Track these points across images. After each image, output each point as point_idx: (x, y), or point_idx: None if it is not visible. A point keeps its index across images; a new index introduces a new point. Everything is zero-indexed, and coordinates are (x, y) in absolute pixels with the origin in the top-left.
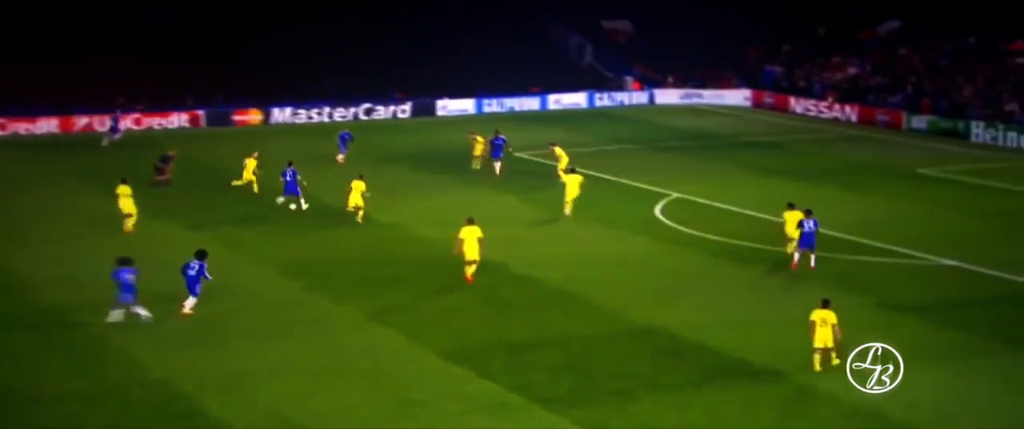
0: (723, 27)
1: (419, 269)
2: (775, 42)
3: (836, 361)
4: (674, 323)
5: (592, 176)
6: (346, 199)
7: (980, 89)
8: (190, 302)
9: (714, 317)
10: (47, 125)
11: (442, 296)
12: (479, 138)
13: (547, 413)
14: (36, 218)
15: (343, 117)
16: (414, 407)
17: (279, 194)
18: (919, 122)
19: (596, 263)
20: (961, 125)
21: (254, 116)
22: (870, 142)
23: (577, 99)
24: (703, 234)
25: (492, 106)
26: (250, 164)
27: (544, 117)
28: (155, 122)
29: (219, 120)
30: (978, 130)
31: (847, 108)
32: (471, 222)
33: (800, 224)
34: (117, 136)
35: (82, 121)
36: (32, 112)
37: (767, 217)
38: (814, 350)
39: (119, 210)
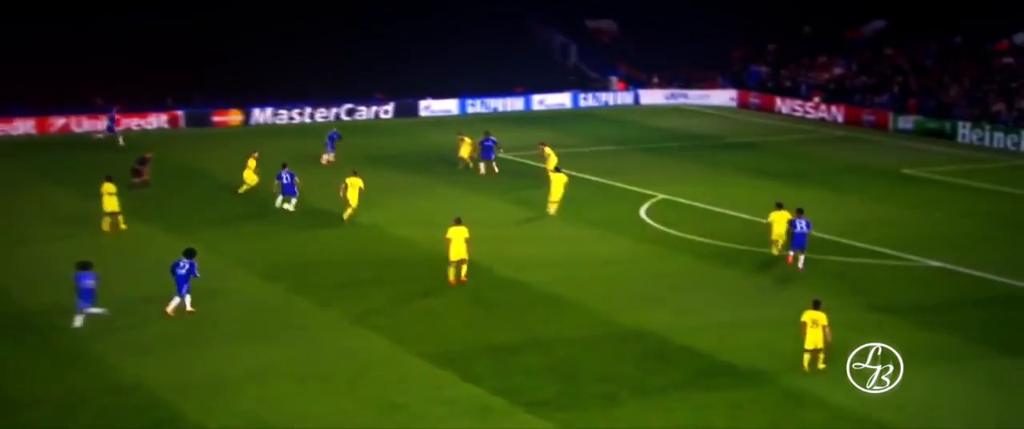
0: (708, 27)
1: (403, 271)
2: (760, 42)
3: (822, 365)
4: (660, 325)
5: (577, 177)
6: (343, 196)
7: (966, 89)
8: (175, 302)
9: (700, 319)
10: (24, 126)
11: (426, 298)
12: (467, 139)
13: (532, 417)
14: (12, 219)
15: (325, 118)
16: (397, 411)
17: (275, 196)
18: (905, 122)
19: (581, 265)
20: (948, 126)
21: (234, 117)
22: (856, 143)
23: (561, 99)
24: (689, 235)
25: (476, 107)
26: (251, 164)
27: (528, 118)
28: (133, 123)
29: (198, 121)
30: (965, 131)
31: (833, 108)
32: (458, 222)
33: (792, 224)
34: (114, 134)
35: (59, 122)
36: (8, 113)
37: (753, 218)
38: (804, 351)
39: (102, 209)
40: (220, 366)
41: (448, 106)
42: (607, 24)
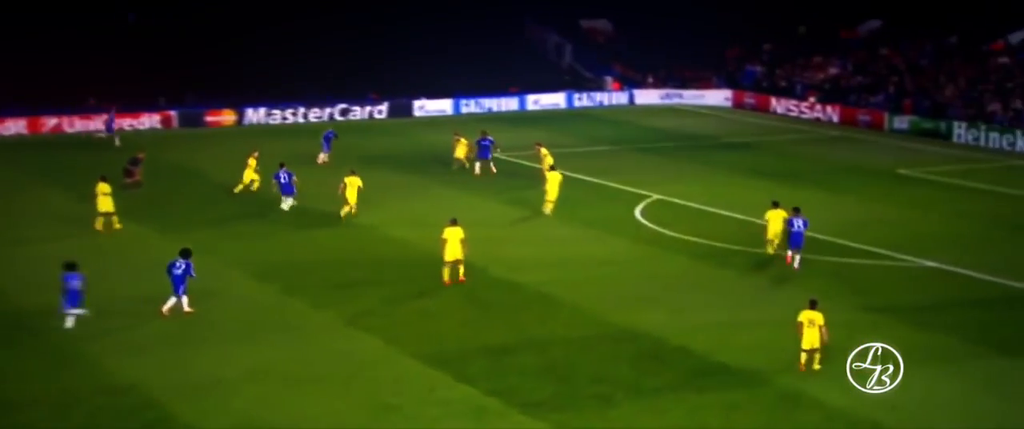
0: (703, 27)
1: (397, 271)
2: (756, 42)
3: (817, 366)
4: (655, 326)
5: (571, 177)
6: (342, 196)
7: (962, 89)
8: (171, 303)
9: (695, 320)
10: (15, 126)
11: (420, 299)
12: (463, 139)
13: (526, 418)
14: (6, 220)
15: (318, 118)
16: (391, 412)
17: (277, 197)
18: (901, 122)
19: (576, 265)
20: (943, 126)
21: (227, 117)
22: (852, 143)
23: (556, 99)
24: (684, 236)
25: (470, 107)
26: (251, 163)
27: (523, 118)
28: (126, 123)
29: (191, 121)
30: (960, 131)
31: (828, 108)
32: (454, 223)
33: (789, 223)
34: (113, 134)
35: (51, 122)
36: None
37: (748, 219)
38: (801, 350)
39: (96, 209)
40: (214, 367)
41: (442, 106)
42: (602, 24)
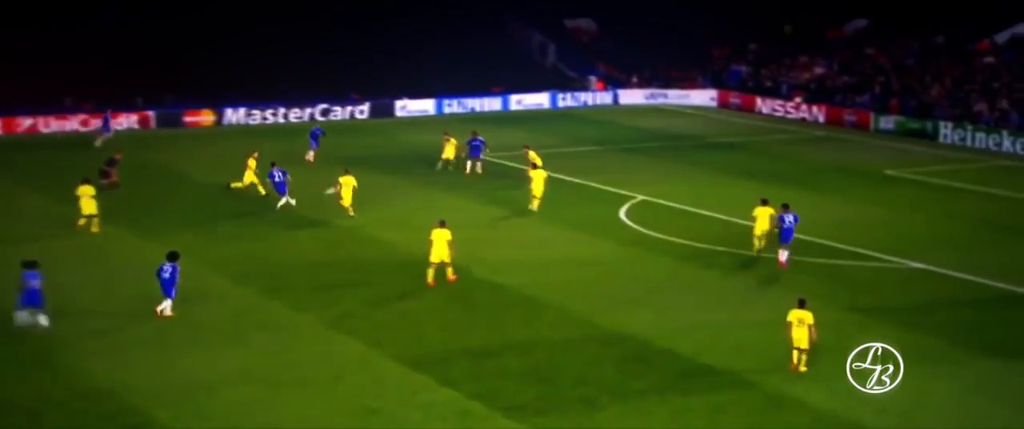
0: (688, 26)
1: (379, 273)
2: (741, 41)
3: (804, 368)
4: (640, 328)
5: (556, 178)
6: (338, 195)
7: (948, 89)
8: (167, 304)
9: (681, 321)
10: None
11: (402, 301)
12: (453, 140)
13: (510, 421)
14: None
15: (299, 118)
16: (373, 416)
17: (276, 199)
18: (887, 123)
19: (560, 267)
20: (929, 126)
21: (206, 117)
22: (838, 143)
23: (540, 99)
24: (669, 237)
25: (452, 107)
26: (251, 164)
27: (506, 118)
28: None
29: (169, 121)
30: (946, 131)
31: (814, 108)
32: (442, 224)
33: (780, 219)
34: (109, 135)
35: (27, 122)
36: None
37: (734, 219)
38: (793, 349)
39: (79, 210)
40: (193, 371)
41: (425, 106)
42: (586, 23)
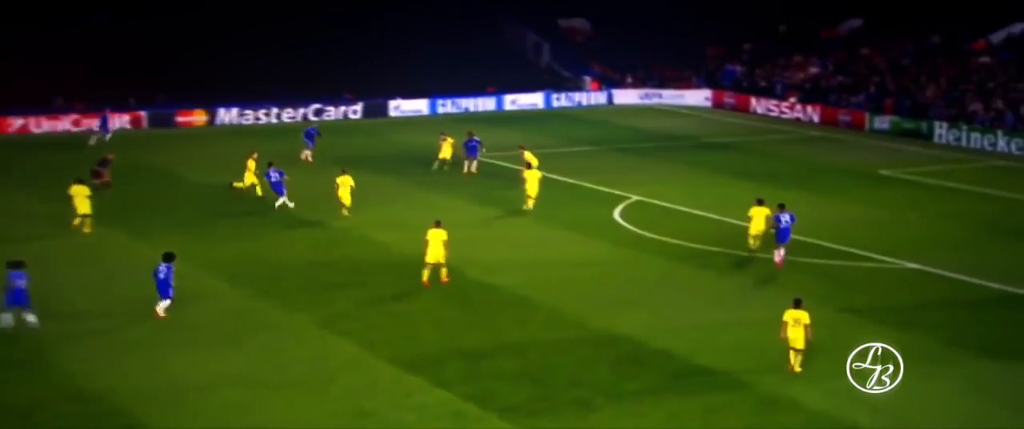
0: (683, 25)
1: (372, 274)
2: (735, 41)
3: (798, 368)
4: (634, 329)
5: (550, 178)
6: (335, 195)
7: (943, 89)
8: (163, 305)
9: (675, 322)
10: None
11: (395, 302)
12: (450, 140)
13: (504, 423)
14: None
15: (292, 118)
16: (366, 418)
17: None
18: (882, 123)
19: (554, 267)
20: (924, 126)
21: (198, 117)
22: (832, 143)
23: (534, 99)
24: (664, 237)
25: (446, 107)
26: (251, 165)
27: (500, 118)
28: (94, 123)
29: (162, 121)
30: (941, 131)
31: (809, 109)
32: (438, 224)
33: (776, 219)
34: (106, 134)
35: (17, 123)
36: None
37: (729, 220)
38: (790, 349)
39: (74, 210)
40: (185, 373)
41: (418, 106)
42: (580, 23)
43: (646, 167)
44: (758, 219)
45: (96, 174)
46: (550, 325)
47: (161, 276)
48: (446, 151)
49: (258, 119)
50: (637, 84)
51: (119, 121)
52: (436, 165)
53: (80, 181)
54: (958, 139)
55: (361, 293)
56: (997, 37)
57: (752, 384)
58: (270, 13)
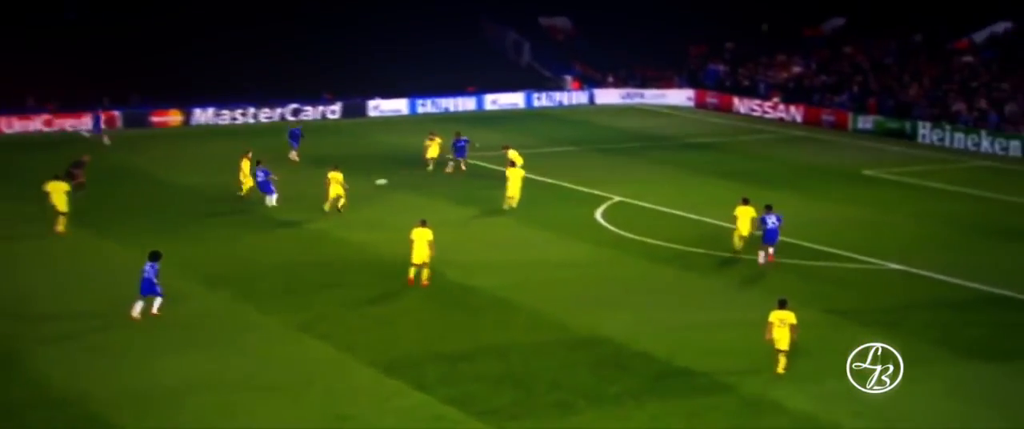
0: (665, 24)
1: (351, 276)
2: (718, 40)
3: (781, 370)
4: (616, 331)
5: (531, 179)
6: (326, 193)
7: (927, 89)
8: (145, 305)
9: (657, 324)
10: None
11: (374, 305)
12: (438, 139)
13: (485, 426)
14: None
15: (269, 118)
16: (345, 422)
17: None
18: (865, 122)
19: (535, 269)
20: (908, 126)
21: (174, 117)
22: (816, 143)
23: (514, 99)
24: (646, 239)
25: (426, 107)
26: (245, 166)
27: (480, 118)
28: (67, 123)
29: (136, 121)
30: (924, 131)
31: (792, 108)
32: (424, 224)
33: (763, 220)
34: (97, 134)
35: None
36: None
37: (711, 221)
38: (776, 351)
39: (53, 207)
40: (160, 377)
41: (398, 106)
42: (561, 21)
43: (628, 167)
44: (743, 219)
45: (71, 175)
46: (531, 327)
47: (146, 275)
48: (433, 151)
49: (235, 119)
50: (619, 84)
51: (92, 121)
52: (430, 166)
53: (57, 177)
54: (942, 139)
55: (340, 295)
56: (980, 36)
57: (735, 386)
58: (247, 12)
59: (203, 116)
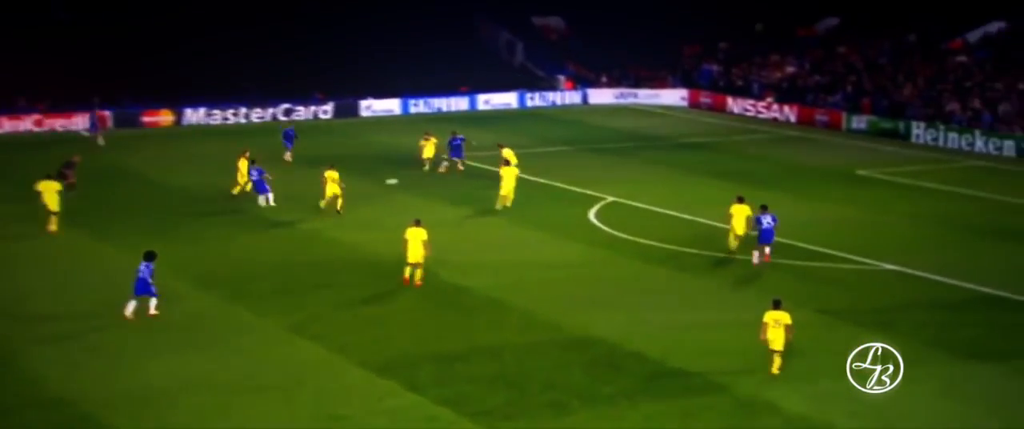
0: (658, 24)
1: (344, 276)
2: (712, 40)
3: (775, 370)
4: (610, 332)
5: (524, 179)
6: (322, 192)
7: (921, 89)
8: (152, 303)
9: (651, 324)
10: None
11: (367, 305)
12: (433, 139)
13: (478, 427)
14: None
15: (261, 118)
16: (338, 422)
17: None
18: (859, 122)
19: (528, 269)
20: (902, 126)
21: (165, 117)
22: (810, 143)
23: (507, 99)
24: (639, 239)
25: (419, 107)
26: (243, 166)
27: (474, 118)
28: (57, 123)
29: (127, 121)
30: (919, 131)
31: (786, 108)
32: (418, 223)
33: (757, 220)
34: (97, 132)
35: None
36: None
37: (705, 221)
38: (771, 352)
39: (45, 207)
40: (153, 378)
41: (390, 106)
42: (554, 21)
43: (621, 167)
44: (739, 218)
45: (62, 176)
46: (524, 327)
47: (141, 275)
48: (429, 151)
49: (226, 119)
50: (612, 83)
51: (83, 121)
52: (427, 167)
53: (49, 177)
54: (936, 139)
55: (333, 295)
56: (973, 36)
57: (729, 386)
58: (239, 11)
59: (194, 116)
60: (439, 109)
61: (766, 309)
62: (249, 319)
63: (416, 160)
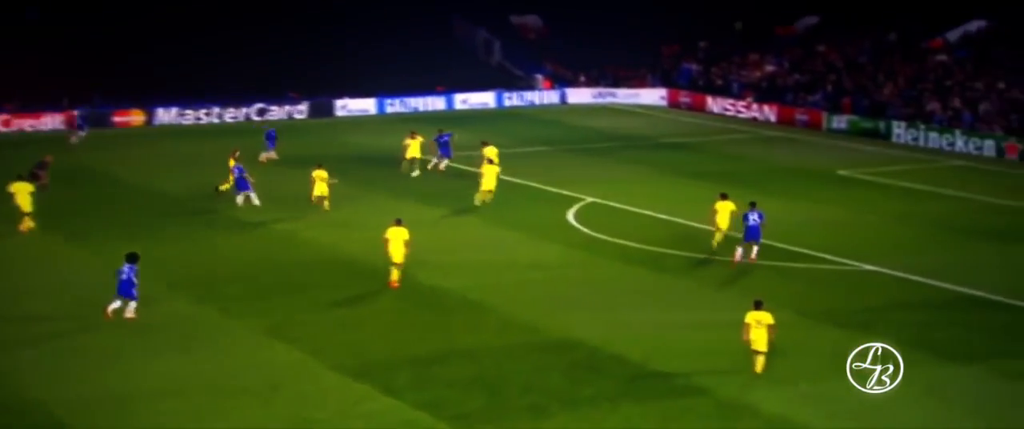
0: (637, 23)
1: (319, 278)
2: (691, 39)
3: (758, 370)
4: (589, 334)
5: (502, 179)
6: (310, 190)
7: (901, 88)
8: (131, 306)
9: (630, 326)
10: None
11: (343, 307)
12: (419, 138)
13: None
14: None
15: (234, 118)
16: (314, 426)
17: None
18: (839, 122)
19: (506, 270)
20: (882, 125)
21: (136, 117)
22: (790, 143)
23: (485, 98)
24: (619, 239)
25: (395, 106)
26: (232, 164)
27: (450, 118)
28: (26, 124)
29: (97, 121)
30: (899, 130)
31: (766, 108)
32: (399, 223)
33: (745, 217)
34: (83, 133)
35: None
36: None
37: (685, 221)
38: (753, 352)
39: (18, 208)
40: (126, 381)
41: (366, 106)
42: (532, 20)
43: (600, 168)
44: (723, 213)
45: (34, 176)
46: (502, 330)
47: (123, 276)
48: (414, 149)
49: (199, 119)
50: (591, 83)
51: (53, 121)
52: (415, 168)
53: (21, 177)
54: (916, 139)
55: (309, 297)
56: (953, 35)
57: (710, 389)
58: (211, 11)
59: (166, 116)
60: (416, 109)
61: (747, 310)
62: (224, 322)
63: (398, 160)
